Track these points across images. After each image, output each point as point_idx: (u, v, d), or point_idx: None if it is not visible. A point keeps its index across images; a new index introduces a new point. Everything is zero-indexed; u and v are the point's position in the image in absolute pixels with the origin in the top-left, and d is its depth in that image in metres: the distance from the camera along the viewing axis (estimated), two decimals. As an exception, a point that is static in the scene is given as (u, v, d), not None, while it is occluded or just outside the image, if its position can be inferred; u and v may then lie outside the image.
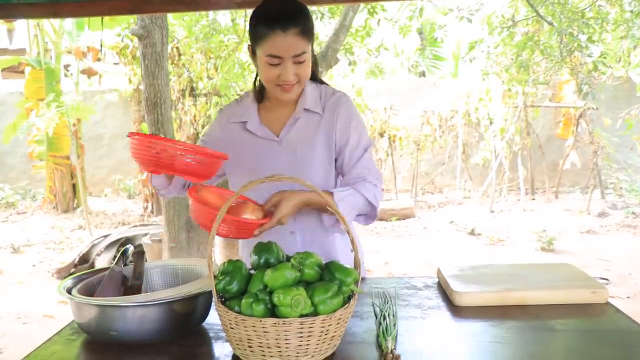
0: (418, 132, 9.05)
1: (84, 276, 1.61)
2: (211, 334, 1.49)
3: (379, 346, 1.36)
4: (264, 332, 1.23)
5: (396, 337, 1.39)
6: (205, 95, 7.98)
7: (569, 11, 5.21)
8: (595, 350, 1.35)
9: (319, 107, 1.78)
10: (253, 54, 1.68)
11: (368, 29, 5.91)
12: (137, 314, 1.39)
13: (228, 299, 1.34)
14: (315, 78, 1.82)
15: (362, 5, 5.27)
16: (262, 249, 1.43)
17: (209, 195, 1.63)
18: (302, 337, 1.24)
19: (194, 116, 8.07)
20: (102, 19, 4.40)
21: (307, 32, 1.61)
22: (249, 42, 1.69)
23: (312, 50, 1.70)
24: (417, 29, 8.89)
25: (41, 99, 8.23)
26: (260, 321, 1.23)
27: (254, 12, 1.67)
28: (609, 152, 8.24)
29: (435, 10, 8.19)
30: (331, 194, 1.67)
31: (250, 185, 1.36)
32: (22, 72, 8.77)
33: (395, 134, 8.98)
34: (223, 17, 7.14)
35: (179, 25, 7.33)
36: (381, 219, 7.92)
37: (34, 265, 6.14)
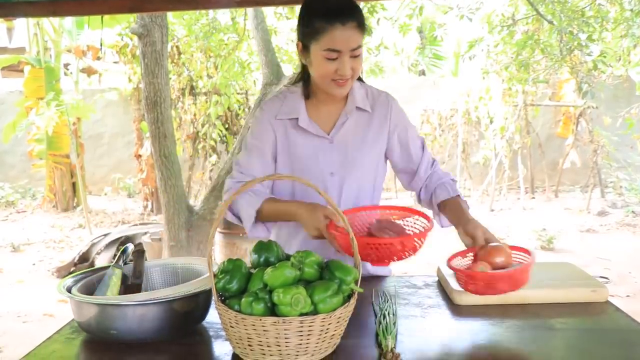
0: (418, 131, 9.05)
1: (83, 275, 1.61)
2: (211, 333, 1.49)
3: (379, 345, 1.36)
4: (264, 330, 1.23)
5: (396, 336, 1.39)
6: (205, 94, 7.98)
7: (569, 10, 5.21)
8: (595, 348, 1.36)
9: (367, 105, 1.79)
10: (304, 49, 1.67)
11: (368, 27, 5.90)
12: (137, 312, 1.39)
13: (228, 298, 1.34)
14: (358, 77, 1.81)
15: (362, 4, 5.26)
16: (261, 247, 1.43)
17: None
18: (301, 335, 1.24)
19: (194, 115, 8.07)
20: (102, 17, 4.40)
21: (363, 25, 1.62)
22: (299, 38, 1.68)
23: None
24: (417, 28, 8.86)
25: (41, 97, 8.23)
26: (260, 320, 1.23)
27: (306, 8, 1.66)
28: (608, 151, 8.24)
29: (435, 9, 8.17)
30: (458, 195, 1.78)
31: (248, 184, 1.36)
32: (22, 70, 8.77)
33: (395, 133, 8.97)
34: (223, 15, 7.14)
35: (179, 24, 7.33)
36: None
37: (33, 264, 6.14)
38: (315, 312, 1.26)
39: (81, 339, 1.46)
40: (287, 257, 1.43)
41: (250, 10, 4.96)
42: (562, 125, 9.23)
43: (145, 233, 5.64)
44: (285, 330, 1.23)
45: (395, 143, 1.84)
